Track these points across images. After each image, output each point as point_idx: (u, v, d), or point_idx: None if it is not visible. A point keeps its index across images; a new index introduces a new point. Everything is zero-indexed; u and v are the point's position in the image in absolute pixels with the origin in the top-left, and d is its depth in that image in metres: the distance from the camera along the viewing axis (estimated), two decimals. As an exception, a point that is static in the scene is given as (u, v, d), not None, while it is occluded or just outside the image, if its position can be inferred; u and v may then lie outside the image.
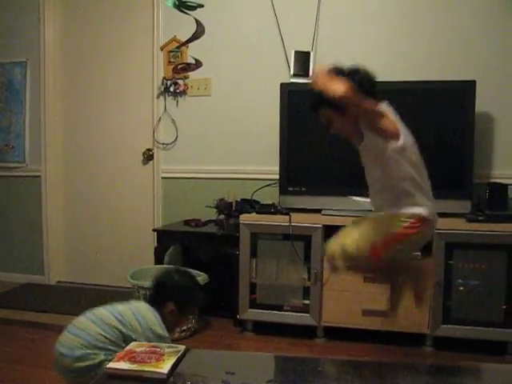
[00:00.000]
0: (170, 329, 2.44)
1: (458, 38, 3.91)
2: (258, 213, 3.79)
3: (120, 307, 2.42)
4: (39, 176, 5.03)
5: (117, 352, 2.07)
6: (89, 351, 2.24)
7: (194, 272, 2.50)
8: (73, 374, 2.28)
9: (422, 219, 2.38)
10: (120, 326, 2.30)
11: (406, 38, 4.00)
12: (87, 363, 2.23)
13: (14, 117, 5.06)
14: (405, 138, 2.37)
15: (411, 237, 2.41)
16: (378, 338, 3.39)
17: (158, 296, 2.48)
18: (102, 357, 2.22)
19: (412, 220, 2.38)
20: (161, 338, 2.30)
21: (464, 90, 3.53)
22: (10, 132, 5.08)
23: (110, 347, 2.25)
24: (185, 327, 3.56)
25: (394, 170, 2.38)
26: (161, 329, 2.35)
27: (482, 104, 3.60)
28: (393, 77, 3.77)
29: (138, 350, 1.94)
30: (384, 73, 3.87)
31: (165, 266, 3.99)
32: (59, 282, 5.12)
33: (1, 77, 5.09)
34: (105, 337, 2.27)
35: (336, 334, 3.56)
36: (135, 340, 2.20)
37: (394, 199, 2.44)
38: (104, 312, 2.40)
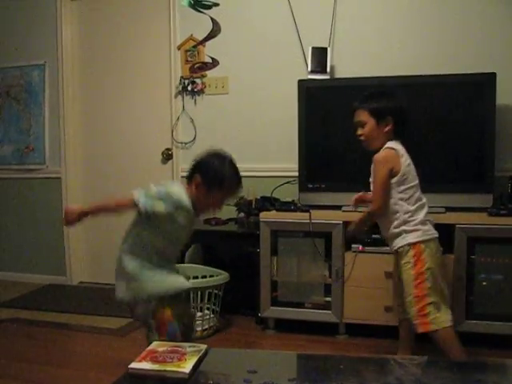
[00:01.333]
0: (195, 205, 2.42)
1: (478, 30, 3.86)
2: (277, 210, 3.78)
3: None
4: (59, 177, 5.06)
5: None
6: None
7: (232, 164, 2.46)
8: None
9: (417, 246, 2.70)
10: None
11: (424, 32, 3.96)
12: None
13: (34, 119, 5.11)
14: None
15: (426, 268, 2.69)
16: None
17: (191, 171, 2.46)
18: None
19: (410, 254, 2.71)
20: (176, 202, 2.35)
21: (484, 83, 3.48)
22: (29, 134, 5.12)
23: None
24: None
25: None
26: (177, 195, 2.36)
27: (502, 96, 3.56)
28: (412, 71, 3.75)
29: (160, 349, 1.94)
30: (403, 67, 3.87)
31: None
32: (81, 282, 5.15)
33: (20, 79, 5.14)
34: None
35: (358, 330, 3.54)
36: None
37: (385, 225, 2.80)
38: None
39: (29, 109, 5.13)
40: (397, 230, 2.73)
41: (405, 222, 2.71)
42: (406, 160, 2.70)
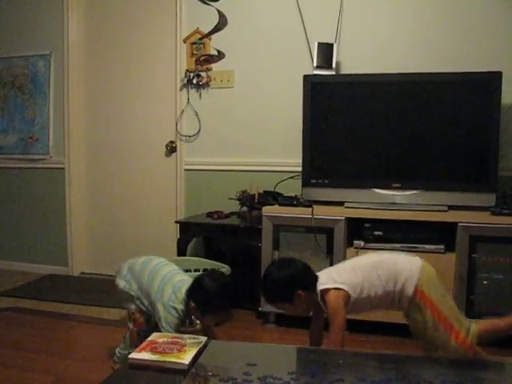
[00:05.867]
0: (190, 320, 2.72)
1: (483, 28, 3.85)
2: (280, 205, 3.78)
3: (164, 271, 2.80)
4: (63, 168, 5.07)
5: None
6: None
7: (227, 278, 2.72)
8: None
9: None
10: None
11: (431, 29, 3.95)
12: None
13: (38, 109, 5.11)
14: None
15: None
16: (400, 331, 3.36)
17: (190, 289, 2.62)
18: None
19: None
20: (167, 311, 2.61)
21: (490, 81, 3.47)
22: (34, 124, 5.13)
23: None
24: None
25: None
26: (173, 306, 2.61)
27: (507, 95, 3.55)
28: (417, 68, 3.74)
29: (160, 340, 1.95)
30: (408, 65, 3.86)
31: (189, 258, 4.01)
32: (83, 273, 5.16)
33: (25, 69, 5.14)
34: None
35: (358, 326, 3.54)
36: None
37: None
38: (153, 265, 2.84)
39: (33, 99, 5.13)
40: None
41: None
42: None
